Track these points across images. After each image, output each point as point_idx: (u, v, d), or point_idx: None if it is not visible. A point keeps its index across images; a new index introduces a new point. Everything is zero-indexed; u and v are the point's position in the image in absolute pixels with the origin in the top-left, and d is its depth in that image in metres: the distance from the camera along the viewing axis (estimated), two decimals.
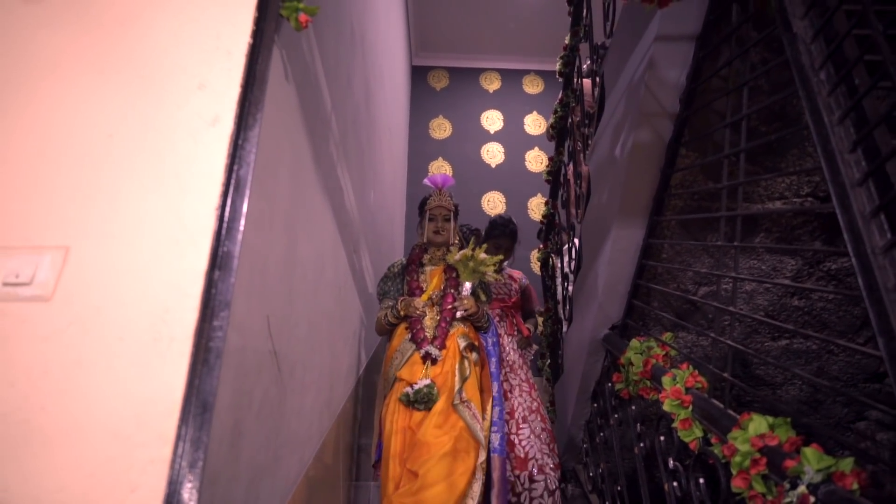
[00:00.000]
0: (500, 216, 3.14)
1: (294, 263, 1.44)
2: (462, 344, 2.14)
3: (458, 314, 2.19)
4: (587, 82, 2.54)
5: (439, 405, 1.98)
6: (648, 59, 1.74)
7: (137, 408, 0.82)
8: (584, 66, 2.74)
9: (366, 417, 2.79)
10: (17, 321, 0.86)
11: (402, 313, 2.21)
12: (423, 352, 2.09)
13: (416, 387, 1.99)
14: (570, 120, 2.97)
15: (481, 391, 2.15)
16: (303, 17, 1.21)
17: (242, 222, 0.96)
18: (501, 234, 3.04)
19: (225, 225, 0.95)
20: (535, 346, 3.25)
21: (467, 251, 2.19)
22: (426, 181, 2.45)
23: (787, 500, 1.05)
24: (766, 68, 1.37)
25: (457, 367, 2.09)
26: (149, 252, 0.91)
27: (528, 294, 3.24)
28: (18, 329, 0.85)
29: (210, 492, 0.94)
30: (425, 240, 2.39)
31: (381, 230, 3.60)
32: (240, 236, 0.95)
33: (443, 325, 2.16)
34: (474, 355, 2.18)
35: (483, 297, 2.36)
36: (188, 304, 0.88)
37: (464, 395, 2.04)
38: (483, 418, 2.09)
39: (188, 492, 0.79)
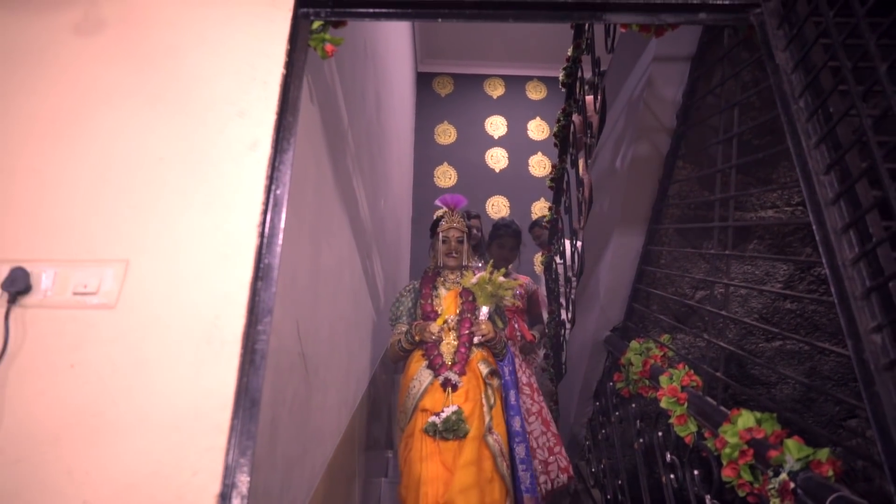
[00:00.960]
0: (502, 219, 3.22)
1: (318, 271, 1.56)
2: (485, 371, 2.07)
3: (476, 340, 2.10)
4: (589, 99, 2.65)
5: (471, 443, 1.90)
6: (647, 78, 1.86)
7: (195, 402, 0.93)
8: (587, 77, 2.85)
9: (375, 411, 2.89)
10: (87, 326, 0.98)
11: (416, 338, 2.12)
12: (442, 378, 2.01)
13: (443, 415, 1.91)
14: (572, 129, 3.08)
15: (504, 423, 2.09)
16: (329, 46, 1.32)
17: (280, 237, 1.08)
18: (506, 233, 3.10)
19: (265, 240, 1.07)
20: (541, 352, 3.15)
21: (484, 275, 2.13)
22: (438, 202, 2.37)
23: (771, 486, 1.16)
24: (756, 90, 1.48)
25: (482, 396, 2.02)
26: (199, 265, 1.03)
27: (535, 299, 3.19)
28: (88, 333, 0.97)
29: (254, 478, 1.05)
30: (439, 263, 2.30)
31: (389, 235, 3.72)
32: (279, 250, 1.07)
33: (462, 350, 2.08)
34: (497, 381, 2.10)
35: (500, 324, 2.27)
36: (236, 311, 1.00)
37: (491, 425, 1.98)
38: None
39: (241, 475, 0.90)
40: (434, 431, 1.90)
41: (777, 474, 1.15)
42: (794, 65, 1.16)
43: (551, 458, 2.60)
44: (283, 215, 1.10)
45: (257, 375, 0.97)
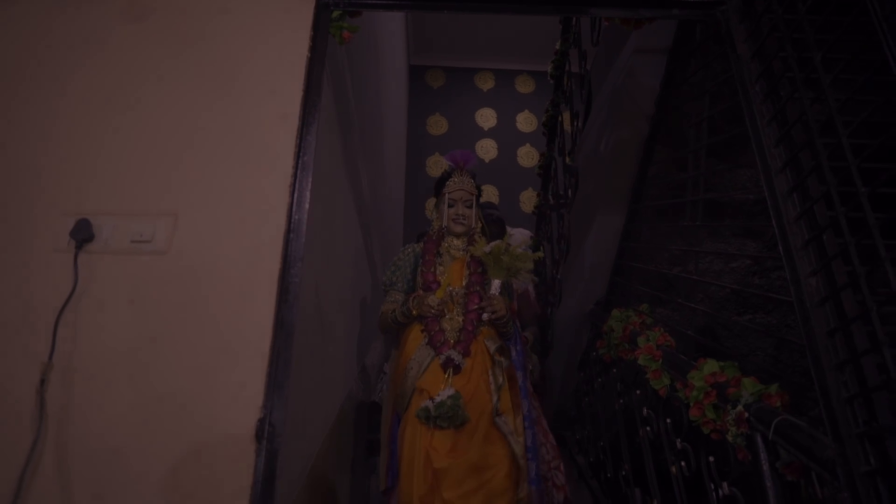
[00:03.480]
0: (486, 202, 2.94)
1: (331, 235, 1.72)
2: (492, 347, 1.80)
3: (485, 317, 1.81)
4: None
5: (478, 428, 1.68)
6: (628, 68, 2.04)
7: (241, 332, 1.10)
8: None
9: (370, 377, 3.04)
10: (144, 269, 1.14)
11: (414, 313, 1.82)
12: (443, 357, 1.75)
13: (437, 399, 1.65)
14: (559, 119, 3.26)
15: (513, 406, 1.82)
16: (346, 33, 1.48)
17: (308, 197, 1.24)
18: (489, 220, 2.90)
19: (295, 198, 1.23)
20: (534, 357, 2.89)
21: (500, 243, 1.83)
22: (446, 158, 2.03)
23: (729, 417, 1.34)
24: (723, 77, 1.66)
25: (489, 372, 1.77)
26: (239, 218, 1.19)
27: (527, 298, 2.84)
28: (146, 274, 1.13)
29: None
30: (443, 226, 1.97)
31: (384, 220, 3.87)
32: (307, 206, 1.23)
33: (468, 328, 1.81)
34: (505, 360, 1.83)
35: (507, 301, 1.91)
36: (272, 257, 1.16)
37: (499, 407, 1.74)
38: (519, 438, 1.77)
39: (281, 390, 1.07)
40: (427, 417, 1.65)
41: (734, 407, 1.34)
42: (751, 54, 1.34)
43: (548, 475, 2.33)
44: (310, 178, 1.26)
45: (291, 312, 1.14)
